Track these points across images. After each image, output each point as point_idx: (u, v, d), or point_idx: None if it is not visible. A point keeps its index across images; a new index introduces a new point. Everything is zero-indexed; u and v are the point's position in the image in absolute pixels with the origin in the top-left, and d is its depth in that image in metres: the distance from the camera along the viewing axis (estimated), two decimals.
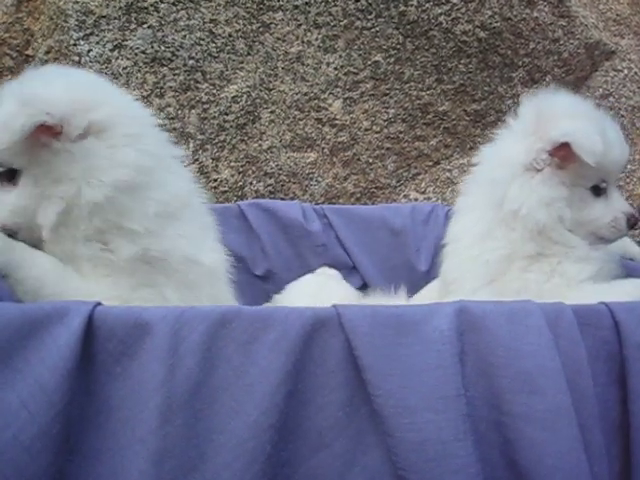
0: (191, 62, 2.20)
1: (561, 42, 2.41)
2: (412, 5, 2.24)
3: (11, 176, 1.18)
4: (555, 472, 0.90)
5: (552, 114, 1.39)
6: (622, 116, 2.53)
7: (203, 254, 1.29)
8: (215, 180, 2.23)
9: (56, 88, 1.18)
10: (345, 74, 2.29)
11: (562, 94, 1.48)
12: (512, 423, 0.92)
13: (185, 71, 2.20)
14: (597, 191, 1.41)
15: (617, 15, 2.60)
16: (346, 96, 2.30)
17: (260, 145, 2.27)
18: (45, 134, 1.13)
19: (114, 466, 0.86)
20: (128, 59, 2.16)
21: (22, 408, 0.83)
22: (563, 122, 1.35)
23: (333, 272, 1.90)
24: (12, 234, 1.17)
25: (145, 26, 2.16)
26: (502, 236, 1.39)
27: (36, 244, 1.18)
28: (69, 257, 1.17)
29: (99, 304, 0.90)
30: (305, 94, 2.28)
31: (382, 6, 2.24)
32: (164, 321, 0.87)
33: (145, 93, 2.18)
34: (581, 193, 1.39)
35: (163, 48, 2.18)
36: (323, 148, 2.31)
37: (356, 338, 0.90)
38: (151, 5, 2.15)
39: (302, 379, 0.90)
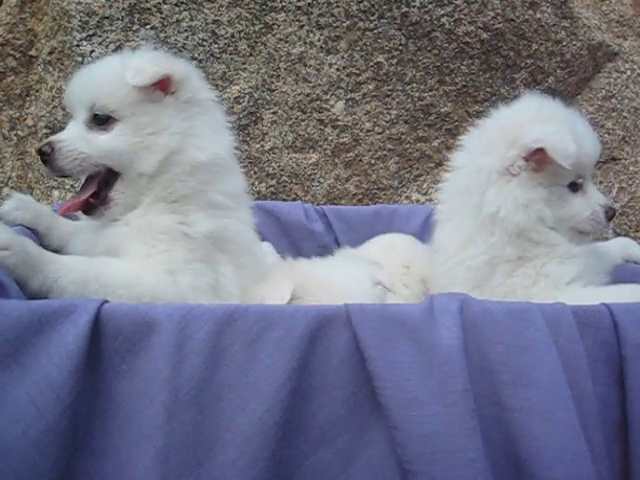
0: (194, 63, 2.20)
1: (564, 43, 2.42)
2: (414, 6, 2.24)
3: (103, 121, 1.34)
4: (556, 463, 0.91)
5: (522, 119, 1.41)
6: (625, 117, 2.53)
7: (257, 246, 1.49)
8: None
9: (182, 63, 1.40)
10: (347, 75, 2.29)
11: (528, 98, 1.50)
12: (513, 418, 0.93)
13: None
14: (574, 187, 1.43)
15: (620, 16, 2.61)
16: (348, 97, 2.31)
17: (262, 146, 2.28)
18: (163, 89, 1.33)
19: (120, 462, 0.87)
20: None
21: (30, 404, 0.84)
22: (534, 127, 1.37)
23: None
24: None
25: (148, 27, 2.17)
26: (482, 241, 1.41)
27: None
28: (140, 231, 1.27)
29: (106, 302, 0.91)
30: (307, 95, 2.28)
31: (384, 7, 2.24)
32: (170, 319, 0.88)
33: None
34: (559, 191, 1.41)
35: (166, 49, 2.18)
36: (325, 149, 2.32)
37: (365, 334, 0.91)
38: (154, 6, 2.16)
39: (306, 377, 0.91)
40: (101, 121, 1.33)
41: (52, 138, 1.35)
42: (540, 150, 1.35)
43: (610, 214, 1.45)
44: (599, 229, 1.47)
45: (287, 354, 0.89)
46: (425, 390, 0.90)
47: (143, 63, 1.31)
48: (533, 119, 1.40)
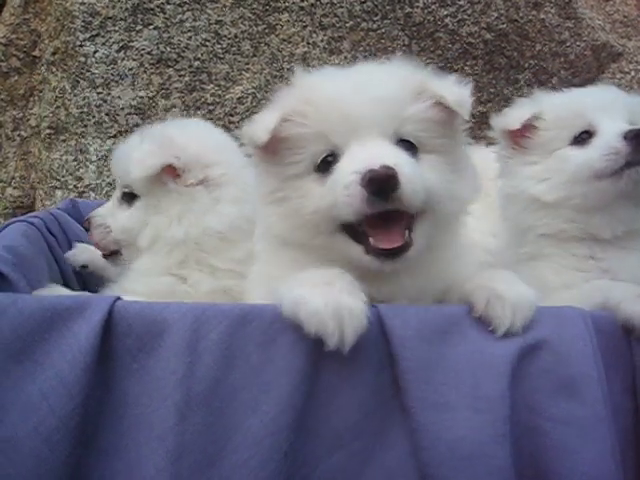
0: (197, 63, 2.20)
1: (567, 44, 2.41)
2: (418, 7, 2.24)
3: (130, 198, 1.45)
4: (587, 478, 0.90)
5: None
6: None
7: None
8: None
9: (190, 139, 1.43)
10: None
11: None
12: (551, 428, 0.91)
13: (191, 72, 2.20)
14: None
15: (624, 17, 2.60)
16: None
17: None
18: (169, 174, 1.39)
19: (131, 461, 0.85)
20: (134, 60, 2.17)
21: (42, 400, 0.83)
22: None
23: None
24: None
25: (151, 27, 2.17)
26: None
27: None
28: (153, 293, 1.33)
29: (119, 299, 0.89)
30: None
31: (388, 8, 2.24)
32: (183, 319, 0.87)
33: (151, 94, 2.18)
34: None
35: (169, 49, 2.18)
36: None
37: (402, 336, 0.90)
38: (157, 6, 2.16)
39: (320, 381, 0.90)
40: (127, 197, 1.45)
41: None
42: None
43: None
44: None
45: (301, 357, 0.88)
46: (458, 395, 0.89)
47: (146, 153, 1.38)
48: None
